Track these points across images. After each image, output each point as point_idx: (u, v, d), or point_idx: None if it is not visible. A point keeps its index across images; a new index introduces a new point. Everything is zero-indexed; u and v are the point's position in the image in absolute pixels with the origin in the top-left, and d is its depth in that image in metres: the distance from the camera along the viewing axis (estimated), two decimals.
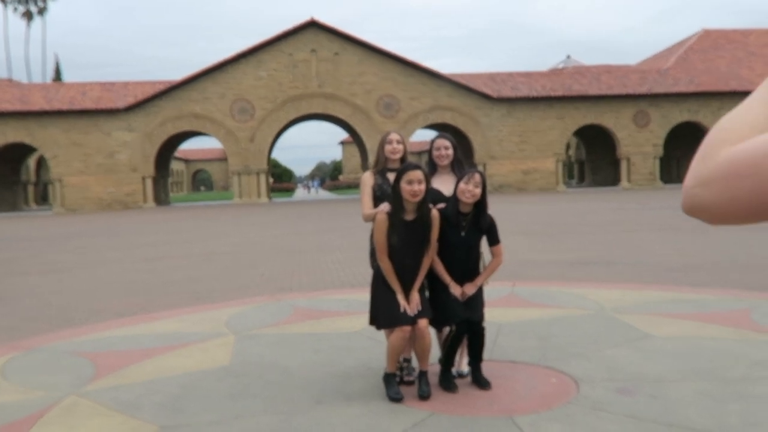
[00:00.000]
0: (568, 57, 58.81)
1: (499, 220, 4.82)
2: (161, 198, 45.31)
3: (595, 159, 52.50)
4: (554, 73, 49.22)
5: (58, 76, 74.73)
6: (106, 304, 8.68)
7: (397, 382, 4.58)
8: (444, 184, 4.83)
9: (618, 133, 45.00)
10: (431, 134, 54.45)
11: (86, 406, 4.51)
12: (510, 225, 17.84)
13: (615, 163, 47.57)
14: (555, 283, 8.70)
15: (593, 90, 44.66)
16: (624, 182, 45.53)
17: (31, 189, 54.64)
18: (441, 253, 4.53)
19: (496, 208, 5.19)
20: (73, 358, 5.80)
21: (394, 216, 4.34)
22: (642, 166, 45.33)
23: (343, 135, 68.95)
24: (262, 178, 42.75)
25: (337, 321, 6.89)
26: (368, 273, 4.81)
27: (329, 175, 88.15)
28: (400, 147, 4.88)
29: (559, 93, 44.24)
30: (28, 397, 4.75)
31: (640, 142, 45.15)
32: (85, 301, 9.03)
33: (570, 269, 10.12)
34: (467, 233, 4.54)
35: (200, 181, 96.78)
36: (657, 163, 45.78)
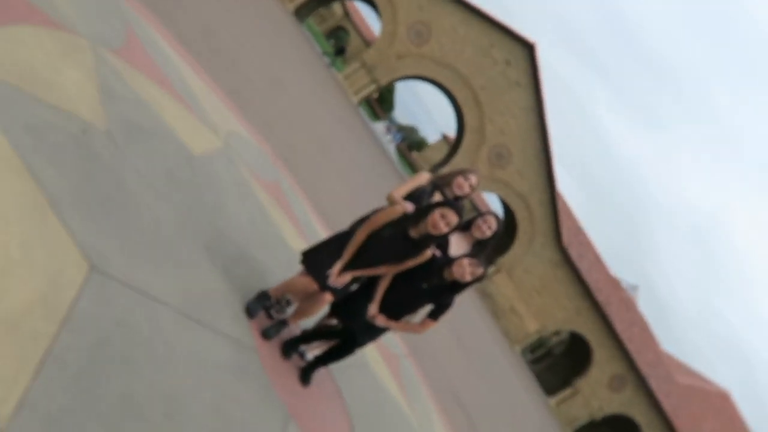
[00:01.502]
0: (635, 287, 58.00)
1: (455, 311, 4.84)
2: (302, 13, 45.18)
3: (561, 363, 52.14)
4: (612, 282, 48.81)
5: None
6: (189, 31, 8.76)
7: (263, 306, 4.64)
8: (458, 245, 4.83)
9: (594, 370, 44.76)
10: (495, 203, 54.18)
11: (86, 57, 4.60)
12: (457, 321, 17.87)
13: (566, 383, 47.26)
14: (426, 389, 8.74)
15: (617, 325, 44.41)
16: (554, 402, 45.28)
17: None
18: (395, 279, 4.55)
19: (465, 301, 5.21)
20: (121, 24, 5.90)
21: (405, 221, 4.36)
22: (578, 408, 45.06)
23: (452, 134, 68.59)
24: (372, 87, 42.56)
25: (290, 227, 6.94)
26: (343, 224, 4.85)
27: (409, 144, 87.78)
28: (468, 191, 4.86)
29: (598, 298, 43.98)
30: (65, 7, 4.85)
31: (599, 395, 44.84)
32: (181, 10, 9.12)
33: (447, 394, 10.16)
34: (428, 290, 4.55)
35: (336, 36, 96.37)
36: (587, 419, 45.54)
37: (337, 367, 5.31)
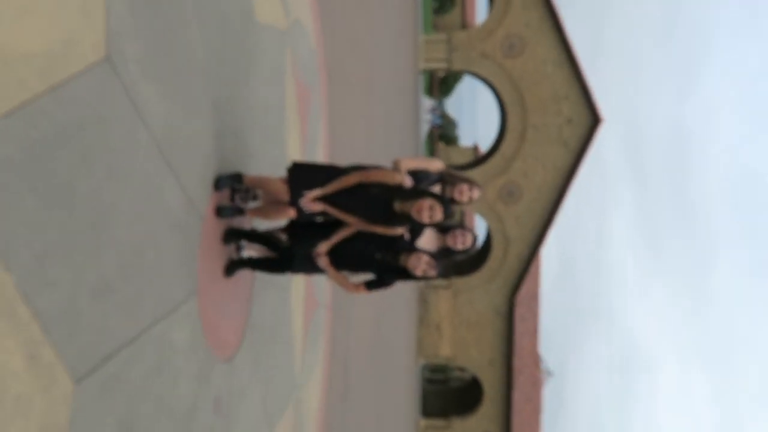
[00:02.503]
0: (550, 372, 58.57)
1: (403, 289, 4.86)
2: None
3: (451, 401, 52.78)
4: None
5: None
6: None
7: (232, 186, 4.62)
8: (428, 239, 4.84)
9: (471, 421, 45.39)
10: (481, 229, 54.28)
11: None
12: (377, 301, 17.98)
13: (445, 418, 47.85)
14: (326, 347, 8.81)
15: None
16: (423, 423, 45.91)
17: None
18: (356, 235, 4.53)
19: (401, 291, 5.21)
20: None
21: (396, 191, 4.34)
22: None
23: (485, 148, 68.34)
24: (443, 66, 42.15)
25: (292, 132, 6.92)
26: (343, 160, 4.83)
27: (442, 137, 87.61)
28: (466, 200, 4.86)
29: None
30: None
31: None
32: None
33: (338, 365, 10.25)
34: (379, 262, 4.54)
35: (441, 3, 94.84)
36: None
37: (261, 278, 5.34)
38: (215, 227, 4.48)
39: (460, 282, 43.82)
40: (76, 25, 2.72)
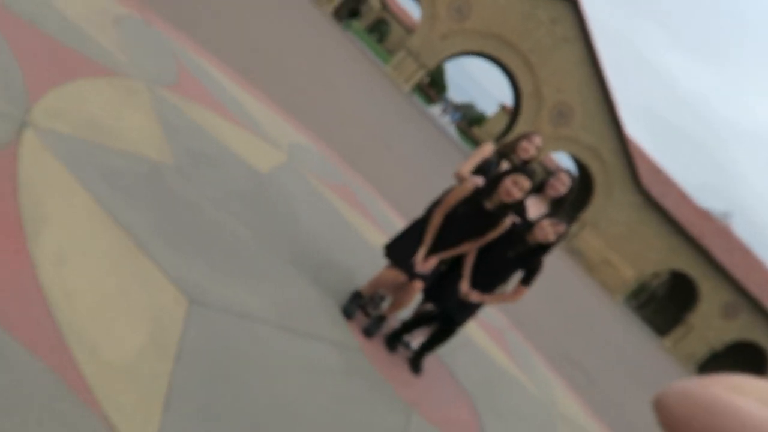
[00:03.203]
0: (727, 214, 55.85)
1: (546, 275, 4.79)
2: (343, 14, 45.37)
3: (667, 303, 50.94)
4: (704, 215, 47.17)
5: None
6: (232, 51, 8.93)
7: (359, 305, 4.70)
8: (535, 207, 4.79)
9: (703, 303, 43.51)
10: (569, 163, 53.28)
11: (144, 98, 4.73)
12: (549, 285, 17.64)
13: (677, 321, 46.09)
14: (537, 355, 8.66)
15: (717, 255, 42.96)
16: (668, 342, 44.28)
17: None
18: (480, 253, 4.54)
19: (555, 264, 5.14)
20: (170, 60, 6.05)
21: (479, 195, 4.34)
22: (695, 344, 43.92)
23: (509, 100, 67.81)
24: (421, 72, 42.43)
25: (365, 222, 7.01)
26: (416, 212, 4.86)
27: (469, 120, 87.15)
28: (534, 153, 4.83)
29: (691, 232, 42.66)
30: (117, 55, 5.00)
31: (713, 326, 43.61)
32: (220, 36, 9.30)
33: (559, 357, 10.03)
34: (514, 258, 4.53)
35: (378, 29, 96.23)
36: (708, 353, 44.30)
37: (443, 351, 5.33)
38: (375, 347, 4.52)
39: (588, 214, 42.87)
40: (151, 302, 2.87)
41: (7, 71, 3.42)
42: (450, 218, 4.39)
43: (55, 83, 3.78)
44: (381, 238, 6.46)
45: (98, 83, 4.31)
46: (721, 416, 0.73)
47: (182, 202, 3.87)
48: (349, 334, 4.32)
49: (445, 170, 18.49)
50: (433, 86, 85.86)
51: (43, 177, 2.94)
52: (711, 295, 43.68)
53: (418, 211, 5.11)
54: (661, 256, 43.42)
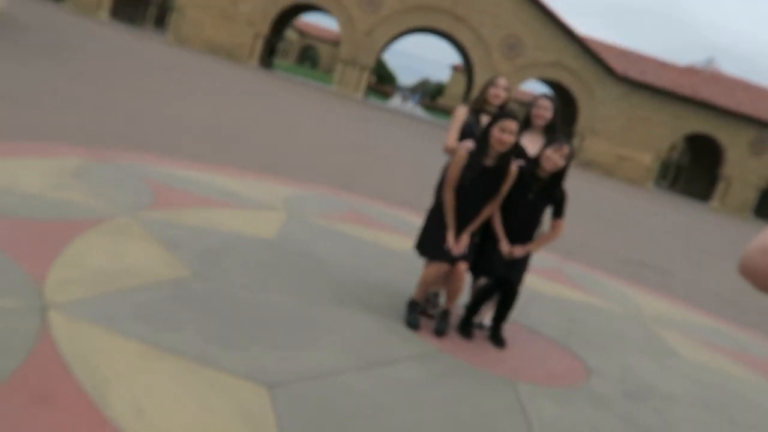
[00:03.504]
0: (710, 60, 55.70)
1: (573, 198, 4.77)
2: (266, 60, 45.75)
3: (694, 168, 50.55)
4: (689, 71, 46.91)
5: None
6: (184, 141, 8.99)
7: (419, 312, 4.70)
8: (532, 143, 4.79)
9: (729, 152, 43.10)
10: (542, 88, 53.16)
11: (136, 230, 4.77)
12: (581, 206, 17.56)
13: (713, 180, 45.71)
14: (602, 274, 8.61)
15: (721, 101, 42.57)
16: (715, 202, 43.88)
17: (152, 9, 55.82)
18: (504, 209, 4.53)
19: (576, 185, 5.11)
20: (138, 182, 6.10)
21: (475, 157, 4.33)
22: (740, 192, 43.48)
23: (457, 60, 67.89)
24: (366, 74, 42.61)
25: (384, 234, 7.02)
26: (429, 201, 4.86)
27: (430, 95, 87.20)
28: (504, 94, 4.83)
29: (685, 92, 42.32)
30: (91, 203, 5.05)
31: (749, 168, 43.17)
32: (168, 131, 9.37)
33: (623, 266, 9.97)
34: (535, 198, 4.51)
35: (307, 57, 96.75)
36: (757, 194, 43.84)
37: (515, 313, 5.31)
38: (453, 342, 4.51)
39: (581, 124, 42.70)
40: (234, 406, 2.88)
41: (4, 271, 3.46)
42: (460, 191, 4.39)
43: (51, 258, 3.82)
44: (408, 242, 6.45)
45: (89, 237, 4.34)
46: None
47: (216, 302, 3.88)
48: (423, 342, 4.31)
49: (433, 150, 18.50)
50: (382, 82, 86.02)
51: (85, 345, 2.97)
52: (732, 141, 43.27)
53: (428, 200, 5.10)
54: (668, 129, 43.13)
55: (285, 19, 45.48)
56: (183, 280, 4.08)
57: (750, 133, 42.90)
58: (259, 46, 42.36)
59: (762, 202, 46.20)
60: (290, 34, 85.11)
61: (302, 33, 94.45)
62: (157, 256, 4.38)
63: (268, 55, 46.73)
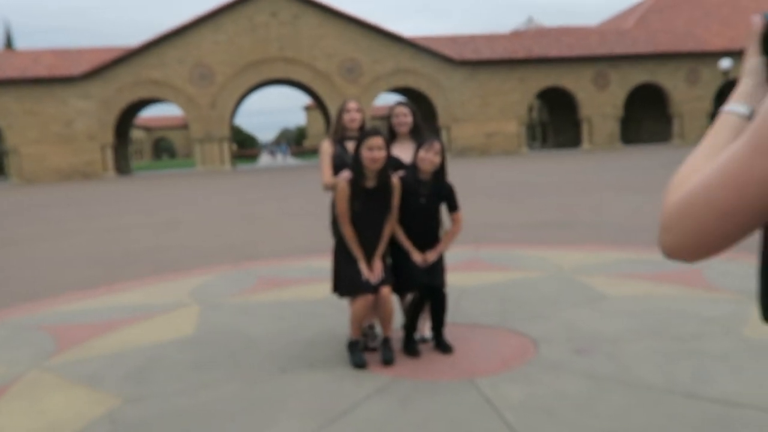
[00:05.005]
0: (530, 19, 58.85)
1: (462, 184, 4.89)
2: (122, 167, 44.62)
3: (557, 121, 52.98)
4: (516, 35, 49.24)
5: (9, 43, 72.54)
6: (68, 276, 8.59)
7: (361, 349, 4.64)
8: (404, 151, 4.85)
9: (578, 94, 45.43)
10: (394, 98, 54.39)
11: (49, 380, 4.50)
12: (472, 188, 18.00)
13: (576, 125, 48.06)
14: (516, 246, 8.83)
15: (554, 52, 44.89)
16: (585, 144, 46.09)
17: None
18: (402, 221, 4.56)
19: (459, 172, 5.23)
20: (34, 332, 5.75)
21: (355, 183, 4.35)
22: (602, 127, 45.87)
23: (307, 100, 68.51)
24: (225, 145, 42.29)
25: (300, 288, 6.93)
26: (331, 240, 4.84)
27: (294, 141, 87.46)
28: (359, 116, 4.89)
29: (521, 55, 44.36)
30: None
31: (600, 103, 45.64)
32: (45, 273, 8.92)
33: (531, 231, 10.26)
34: (427, 200, 4.58)
35: (162, 149, 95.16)
36: (617, 124, 46.34)
37: (450, 315, 5.34)
38: (404, 365, 4.48)
39: (443, 116, 43.91)
40: None
41: None
42: (355, 220, 4.41)
43: None
44: (326, 287, 6.39)
45: (1, 407, 4.05)
46: (688, 214, 0.76)
47: (158, 420, 3.70)
48: (376, 376, 4.26)
49: (314, 191, 18.52)
50: (245, 146, 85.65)
51: None
52: (577, 84, 45.65)
53: (328, 241, 5.07)
54: (519, 93, 45.04)
55: (126, 120, 44.54)
56: (116, 411, 3.86)
57: (589, 72, 45.41)
58: (109, 155, 41.26)
59: (625, 129, 48.84)
60: (137, 132, 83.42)
61: (148, 128, 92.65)
62: (81, 397, 4.14)
63: (124, 160, 45.63)
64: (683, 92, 46.63)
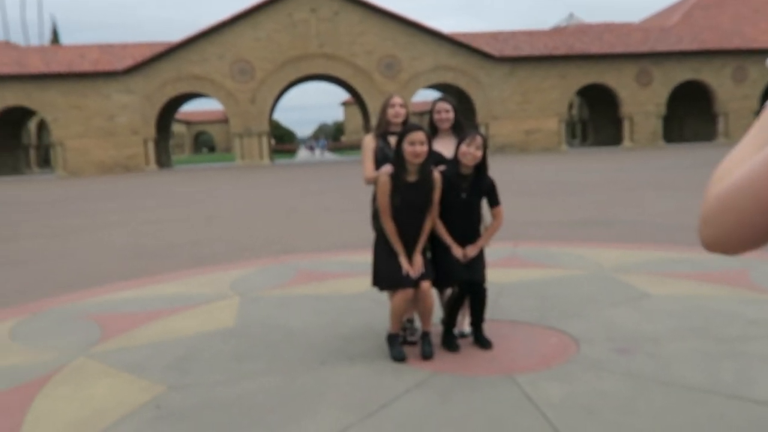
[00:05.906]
0: (571, 15, 58.24)
1: (500, 181, 4.86)
2: (163, 160, 45.27)
3: (597, 118, 52.27)
4: (556, 31, 48.74)
5: (55, 38, 74.05)
6: (111, 267, 8.76)
7: (400, 343, 4.66)
8: (445, 147, 4.85)
9: (620, 92, 44.77)
10: (433, 95, 54.27)
11: (95, 367, 4.60)
12: (512, 185, 17.88)
13: (617, 123, 47.36)
14: (556, 244, 8.75)
15: (595, 48, 44.29)
16: (626, 141, 45.41)
17: (33, 152, 54.54)
18: (443, 216, 4.56)
19: (498, 169, 5.21)
20: (80, 321, 5.88)
21: (397, 178, 4.36)
22: (644, 125, 45.16)
23: (345, 95, 68.78)
24: (264, 139, 42.63)
25: (340, 282, 6.96)
26: (371, 234, 4.85)
27: (331, 137, 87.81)
28: (403, 111, 4.90)
29: (562, 52, 43.86)
30: (38, 359, 4.84)
31: (642, 101, 44.92)
32: (90, 264, 9.11)
33: (571, 229, 10.17)
34: (468, 195, 4.57)
35: (202, 143, 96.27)
36: (659, 122, 45.58)
37: (490, 311, 5.32)
38: (443, 360, 4.48)
39: (481, 110, 43.67)
40: None
41: None
42: (396, 214, 4.41)
43: (14, 429, 3.63)
44: (365, 281, 6.42)
45: (48, 393, 4.16)
46: (730, 207, 0.76)
47: (201, 408, 3.76)
48: (415, 370, 4.27)
49: (355, 186, 18.58)
50: (283, 141, 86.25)
51: None
52: (619, 81, 44.95)
53: (369, 236, 5.09)
54: (559, 90, 44.56)
55: (167, 115, 45.18)
56: (161, 398, 3.94)
57: (631, 69, 44.72)
58: (151, 149, 41.90)
59: (667, 127, 48.02)
60: (177, 127, 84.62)
61: (189, 123, 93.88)
62: (126, 385, 4.23)
63: (165, 154, 46.32)
64: (729, 90, 45.64)
